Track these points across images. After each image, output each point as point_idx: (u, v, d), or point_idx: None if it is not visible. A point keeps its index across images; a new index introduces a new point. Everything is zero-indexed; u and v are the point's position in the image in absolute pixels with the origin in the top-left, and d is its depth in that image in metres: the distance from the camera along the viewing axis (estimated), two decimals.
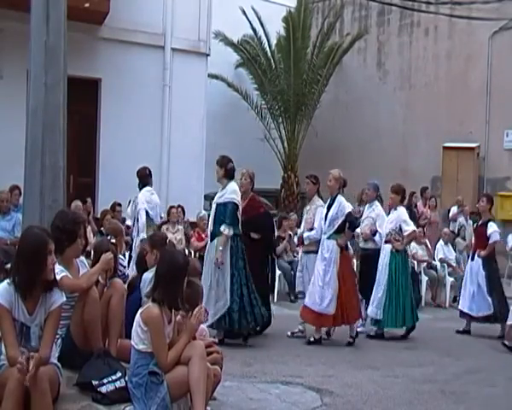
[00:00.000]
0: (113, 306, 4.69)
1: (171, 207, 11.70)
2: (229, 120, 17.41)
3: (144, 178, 9.33)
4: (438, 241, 12.65)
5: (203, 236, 11.33)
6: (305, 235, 8.43)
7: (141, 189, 9.28)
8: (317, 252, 8.17)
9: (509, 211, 14.94)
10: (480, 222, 9.55)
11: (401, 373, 6.77)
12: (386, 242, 8.72)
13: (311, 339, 8.02)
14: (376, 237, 8.92)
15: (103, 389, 4.27)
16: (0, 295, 3.84)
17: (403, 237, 8.68)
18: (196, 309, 4.43)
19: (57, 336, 4.21)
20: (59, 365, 4.10)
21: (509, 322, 8.36)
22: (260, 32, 17.36)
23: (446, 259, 12.27)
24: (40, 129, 4.91)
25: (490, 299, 9.06)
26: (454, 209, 14.09)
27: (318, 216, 8.30)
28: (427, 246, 12.27)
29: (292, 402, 5.49)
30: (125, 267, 6.03)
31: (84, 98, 11.53)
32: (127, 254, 8.93)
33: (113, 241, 5.31)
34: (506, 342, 8.29)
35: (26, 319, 3.91)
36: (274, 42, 17.65)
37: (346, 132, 18.35)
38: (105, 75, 12.01)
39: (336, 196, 8.17)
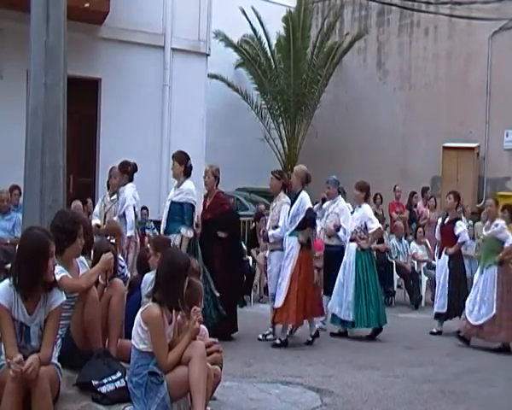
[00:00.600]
0: (113, 306, 4.69)
1: None
2: (229, 120, 17.42)
3: (133, 173, 8.94)
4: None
5: None
6: (270, 233, 8.17)
7: (124, 185, 8.77)
8: (282, 249, 8.01)
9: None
10: (447, 219, 9.38)
11: (401, 373, 6.77)
12: (351, 240, 8.59)
13: (277, 341, 7.84)
14: (340, 233, 8.78)
15: (103, 389, 4.26)
16: (0, 294, 3.85)
17: (368, 235, 8.55)
18: (193, 310, 4.43)
19: (57, 336, 4.21)
20: (59, 365, 4.10)
21: (476, 322, 8.32)
22: (260, 32, 17.38)
23: None
24: (40, 129, 4.91)
25: (447, 297, 9.01)
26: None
27: (283, 213, 8.08)
28: (427, 246, 12.26)
29: (292, 402, 5.50)
30: (123, 267, 6.03)
31: (84, 98, 11.52)
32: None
33: (113, 241, 5.31)
34: (460, 333, 8.37)
35: (25, 319, 3.91)
36: (274, 42, 17.67)
37: (346, 132, 18.36)
38: (105, 75, 12.00)
39: (299, 192, 8.01)
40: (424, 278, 11.84)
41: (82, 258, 4.70)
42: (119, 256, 6.01)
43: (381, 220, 12.87)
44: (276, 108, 17.54)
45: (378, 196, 13.87)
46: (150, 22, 12.30)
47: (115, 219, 8.33)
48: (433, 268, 12.08)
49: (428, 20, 16.90)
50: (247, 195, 16.20)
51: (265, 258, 11.51)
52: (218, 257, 7.84)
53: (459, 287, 9.12)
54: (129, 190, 8.70)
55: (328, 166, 17.96)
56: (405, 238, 12.54)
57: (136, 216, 8.79)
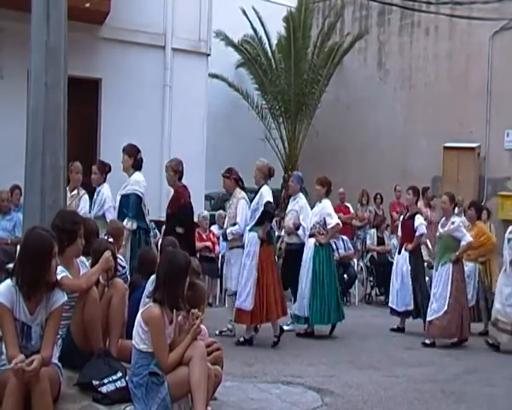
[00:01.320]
0: (113, 306, 4.69)
1: None
2: (230, 120, 17.41)
3: (107, 174, 8.47)
4: None
5: (204, 236, 11.33)
6: (228, 230, 8.07)
7: (100, 185, 8.29)
8: (241, 247, 7.89)
9: (509, 211, 14.92)
10: (407, 215, 9.36)
11: (402, 373, 6.77)
12: (310, 236, 8.47)
13: (241, 339, 7.78)
14: (300, 231, 8.63)
15: (104, 389, 4.27)
16: (2, 294, 3.85)
17: (327, 230, 8.44)
18: (191, 314, 4.43)
19: (58, 336, 4.21)
20: (59, 365, 4.11)
21: (428, 318, 8.35)
22: (261, 32, 17.36)
23: None
24: (40, 129, 4.91)
25: (412, 294, 8.97)
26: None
27: (240, 209, 7.96)
28: (427, 246, 12.25)
29: (292, 402, 5.49)
30: (124, 268, 6.03)
31: (84, 98, 11.51)
32: None
33: (111, 240, 5.31)
34: (427, 341, 8.32)
35: (27, 319, 3.91)
36: (274, 42, 17.65)
37: (346, 132, 18.35)
38: (105, 75, 12.00)
39: (261, 186, 7.91)
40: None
41: (82, 258, 4.71)
42: (120, 256, 6.01)
43: (382, 220, 12.88)
44: (277, 108, 17.53)
45: (378, 196, 13.88)
46: (151, 22, 12.29)
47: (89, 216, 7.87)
48: (433, 268, 12.11)
49: (429, 20, 16.90)
50: (248, 195, 16.19)
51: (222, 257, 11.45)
52: None
53: (421, 284, 9.08)
54: (108, 191, 8.37)
55: (328, 166, 17.98)
56: None
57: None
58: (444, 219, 8.73)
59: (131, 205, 7.35)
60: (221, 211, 12.75)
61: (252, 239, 7.71)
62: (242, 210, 7.94)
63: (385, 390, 6.06)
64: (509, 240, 8.32)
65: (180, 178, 7.89)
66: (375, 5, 18.13)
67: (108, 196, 8.28)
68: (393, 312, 9.29)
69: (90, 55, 11.50)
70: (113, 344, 4.67)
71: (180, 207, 7.81)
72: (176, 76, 12.64)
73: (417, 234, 9.07)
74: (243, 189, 8.20)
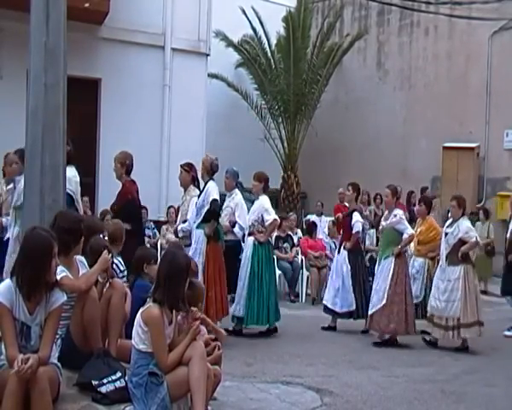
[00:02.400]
0: (113, 306, 4.70)
1: (171, 207, 11.70)
2: (229, 120, 17.41)
3: None
4: None
5: None
6: (179, 227, 7.96)
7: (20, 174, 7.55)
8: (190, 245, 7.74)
9: (509, 211, 14.90)
10: (346, 212, 9.21)
11: (401, 373, 6.77)
12: (249, 234, 8.22)
13: None
14: (236, 228, 8.32)
15: (103, 389, 4.27)
16: (1, 294, 3.85)
17: (266, 227, 8.18)
18: (192, 312, 4.43)
19: (57, 336, 4.21)
20: (59, 365, 4.11)
21: (369, 312, 8.22)
22: (260, 32, 17.36)
23: None
24: (40, 129, 4.91)
25: (353, 294, 8.80)
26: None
27: (191, 206, 7.83)
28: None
29: (292, 402, 5.50)
30: (122, 271, 6.02)
31: (84, 98, 11.52)
32: None
33: (106, 238, 5.32)
34: (378, 340, 8.23)
35: (26, 319, 3.92)
36: (274, 42, 17.65)
37: (345, 132, 18.35)
38: (105, 75, 12.01)
39: (207, 182, 7.74)
40: None
41: (82, 258, 4.71)
42: (119, 259, 6.01)
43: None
44: (276, 108, 17.53)
45: (378, 196, 13.86)
46: (150, 22, 12.30)
47: (10, 211, 7.55)
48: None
49: (428, 20, 16.90)
50: (247, 195, 16.18)
51: None
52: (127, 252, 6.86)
53: (361, 283, 8.91)
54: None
55: (328, 166, 18.03)
56: None
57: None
58: (387, 212, 8.56)
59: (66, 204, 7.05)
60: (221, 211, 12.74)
61: (198, 237, 7.58)
62: (193, 208, 7.81)
63: (384, 390, 6.06)
64: (445, 234, 8.24)
65: (128, 172, 7.53)
66: (374, 5, 18.13)
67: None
68: (328, 311, 9.03)
69: (89, 56, 11.51)
70: (113, 344, 4.67)
71: (127, 202, 7.45)
72: (175, 76, 12.65)
73: (354, 232, 8.87)
74: (198, 188, 8.03)
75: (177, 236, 8.12)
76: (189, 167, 8.09)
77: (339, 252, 9.15)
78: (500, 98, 15.13)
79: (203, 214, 7.58)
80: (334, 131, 18.44)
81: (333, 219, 12.52)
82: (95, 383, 4.27)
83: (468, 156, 15.77)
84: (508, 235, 9.54)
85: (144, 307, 4.32)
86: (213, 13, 13.31)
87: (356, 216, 8.95)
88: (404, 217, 8.48)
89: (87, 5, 10.64)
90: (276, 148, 17.40)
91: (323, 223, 13.56)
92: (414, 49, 17.50)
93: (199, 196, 7.74)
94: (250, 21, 17.17)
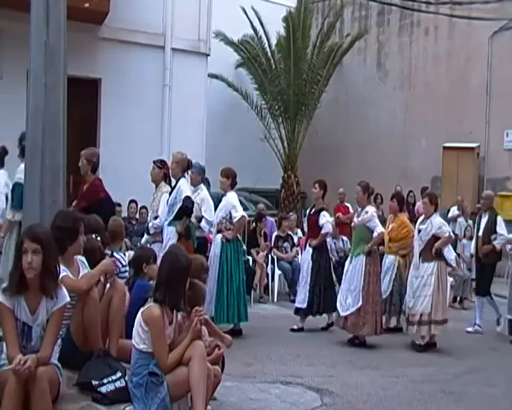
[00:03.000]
0: (113, 306, 4.70)
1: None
2: (230, 120, 17.41)
3: (3, 157, 7.92)
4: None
5: None
6: (150, 224, 7.87)
7: None
8: (162, 241, 7.67)
9: (509, 211, 14.91)
10: (312, 210, 9.07)
11: (401, 373, 6.77)
12: (217, 232, 8.11)
13: None
14: (202, 223, 8.17)
15: (103, 389, 4.27)
16: (3, 294, 3.85)
17: (234, 224, 8.06)
18: (194, 310, 4.43)
19: (57, 337, 4.21)
20: (59, 365, 4.10)
21: (343, 313, 8.09)
22: (260, 32, 17.37)
23: (446, 259, 12.21)
24: (40, 129, 4.91)
25: (308, 292, 8.68)
26: (454, 209, 14.08)
27: (162, 203, 7.74)
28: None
29: (292, 402, 5.50)
30: (125, 266, 6.03)
31: (84, 98, 11.51)
32: None
33: (99, 238, 5.32)
34: (357, 340, 8.12)
35: (27, 319, 3.92)
36: (274, 42, 17.65)
37: (346, 132, 18.36)
38: (105, 75, 12.00)
39: (179, 179, 7.67)
40: None
41: (83, 258, 4.71)
42: (121, 255, 6.02)
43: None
44: (276, 108, 17.53)
45: (378, 196, 13.86)
46: (150, 22, 12.30)
47: None
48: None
49: (428, 21, 16.90)
50: (247, 195, 16.19)
51: (266, 257, 11.53)
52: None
53: (322, 282, 8.78)
54: (1, 178, 7.84)
55: (328, 166, 18.02)
56: None
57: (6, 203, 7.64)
58: (359, 209, 8.50)
59: (15, 195, 6.88)
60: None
61: (170, 234, 7.49)
62: (164, 204, 7.75)
63: (384, 390, 6.07)
64: (418, 231, 8.21)
65: (94, 170, 7.38)
66: (374, 5, 18.14)
67: (1, 182, 7.80)
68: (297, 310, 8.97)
69: (89, 55, 11.50)
70: (113, 344, 4.67)
71: (100, 200, 7.21)
72: (175, 76, 12.65)
73: (323, 232, 8.79)
74: (169, 184, 7.95)
75: (148, 233, 8.00)
76: (161, 164, 8.02)
77: (304, 248, 9.09)
78: (500, 98, 15.14)
79: (175, 212, 7.53)
80: (335, 131, 18.45)
81: (333, 219, 12.51)
82: (95, 383, 4.27)
83: (468, 156, 15.77)
84: (480, 233, 9.50)
85: (145, 307, 4.32)
86: (213, 13, 13.31)
87: (325, 217, 8.88)
88: (375, 214, 8.39)
89: (87, 5, 10.63)
90: (276, 148, 17.40)
91: None
92: (414, 50, 17.50)
93: (170, 193, 7.67)
94: (250, 21, 17.17)
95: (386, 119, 17.65)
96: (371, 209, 8.38)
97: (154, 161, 8.09)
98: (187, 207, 7.50)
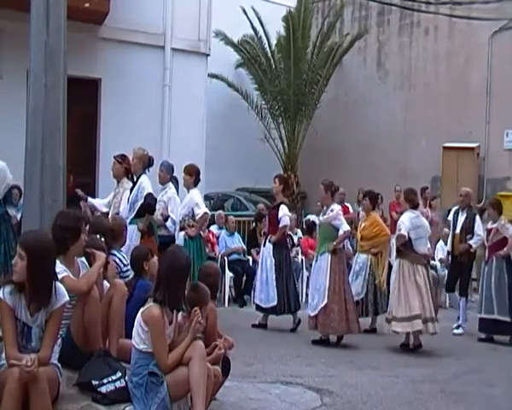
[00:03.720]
0: (114, 306, 4.69)
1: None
2: (229, 120, 17.41)
3: None
4: (438, 241, 12.64)
5: (203, 236, 11.31)
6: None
7: None
8: None
9: (509, 211, 14.90)
10: (272, 204, 9.01)
11: (401, 373, 6.77)
12: (180, 229, 8.05)
13: None
14: (168, 223, 8.11)
15: (103, 389, 4.27)
16: (6, 292, 3.85)
17: (197, 221, 8.03)
18: (193, 311, 4.43)
19: (57, 337, 4.21)
20: (59, 365, 4.10)
21: (312, 313, 8.06)
22: (260, 32, 17.38)
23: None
24: (40, 129, 4.91)
25: (275, 289, 8.63)
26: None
27: (125, 200, 7.68)
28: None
29: (292, 402, 5.50)
30: (126, 265, 6.02)
31: (84, 98, 11.51)
32: None
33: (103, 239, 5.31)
34: (317, 338, 8.08)
35: (27, 319, 3.91)
36: (274, 42, 17.66)
37: (346, 132, 18.35)
38: (105, 75, 11.99)
39: (140, 176, 7.55)
40: None
41: (83, 258, 4.70)
42: (123, 254, 6.01)
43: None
44: (276, 108, 17.53)
45: (378, 196, 13.85)
46: (150, 22, 12.29)
47: None
48: (432, 267, 12.09)
49: (428, 20, 16.89)
50: (247, 195, 16.21)
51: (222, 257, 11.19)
52: None
53: (285, 279, 8.73)
54: None
55: (328, 166, 18.00)
56: None
57: None
58: (325, 207, 8.47)
59: None
60: (220, 211, 12.76)
61: (131, 232, 7.36)
62: (125, 202, 7.69)
63: (384, 390, 6.06)
64: (399, 229, 8.22)
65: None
66: (374, 5, 18.13)
67: None
68: (258, 308, 8.94)
69: (89, 56, 11.50)
70: (113, 344, 4.67)
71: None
72: (175, 76, 12.64)
73: (281, 225, 8.71)
74: (132, 180, 7.87)
75: None
76: (122, 159, 7.95)
77: (264, 245, 9.01)
78: (500, 98, 15.13)
79: (136, 209, 7.43)
80: (334, 131, 18.45)
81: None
82: (95, 383, 4.27)
83: (468, 156, 15.76)
84: (457, 231, 9.47)
85: (145, 307, 4.32)
86: (213, 13, 13.30)
87: (283, 210, 8.79)
88: (341, 213, 8.35)
89: (87, 5, 10.62)
90: (276, 148, 17.40)
91: None
92: (414, 49, 17.49)
93: (131, 190, 7.57)
94: (250, 21, 17.18)
95: (386, 119, 17.64)
96: (336, 208, 8.30)
97: (114, 156, 7.98)
98: (149, 204, 7.39)
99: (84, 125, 11.74)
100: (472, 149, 15.67)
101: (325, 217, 8.24)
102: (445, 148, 15.93)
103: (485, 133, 15.51)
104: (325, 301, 7.92)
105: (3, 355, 3.86)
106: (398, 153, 17.27)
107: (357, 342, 8.35)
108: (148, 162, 7.78)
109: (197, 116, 12.92)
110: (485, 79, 15.53)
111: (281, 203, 8.86)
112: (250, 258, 11.41)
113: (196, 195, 8.19)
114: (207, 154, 13.20)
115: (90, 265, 4.68)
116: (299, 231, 12.96)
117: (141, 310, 4.33)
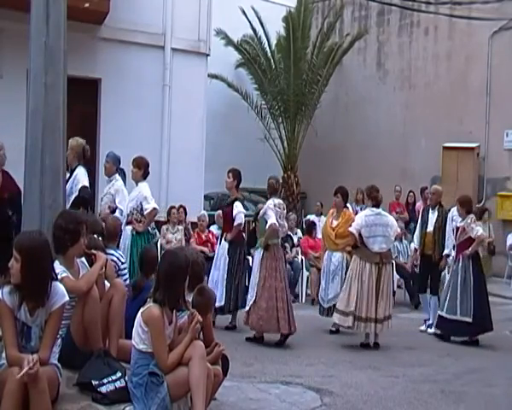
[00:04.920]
0: (114, 306, 4.69)
1: (172, 207, 11.68)
2: (229, 120, 17.42)
3: None
4: None
5: (203, 236, 11.33)
6: None
7: None
8: None
9: (509, 211, 14.93)
10: (227, 201, 8.84)
11: (401, 373, 6.77)
12: (127, 223, 7.79)
13: None
14: (116, 214, 7.73)
15: (103, 389, 4.27)
16: (5, 293, 3.85)
17: (145, 216, 7.80)
18: (189, 313, 4.44)
19: (57, 336, 4.21)
20: (59, 365, 4.10)
21: (246, 309, 7.95)
22: (260, 32, 17.37)
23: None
24: (40, 129, 4.91)
25: (224, 288, 8.44)
26: (454, 209, 14.05)
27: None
28: None
29: (292, 402, 5.50)
30: (124, 263, 6.02)
31: (84, 98, 11.52)
32: None
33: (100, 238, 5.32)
34: (251, 336, 7.94)
35: (27, 320, 3.91)
36: (274, 42, 17.66)
37: (345, 132, 18.35)
38: (105, 75, 12.00)
39: (75, 168, 7.26)
40: None
41: (83, 259, 4.71)
42: (120, 253, 6.01)
43: None
44: (276, 108, 17.53)
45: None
46: (150, 22, 12.30)
47: None
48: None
49: (428, 20, 16.89)
50: (247, 195, 16.20)
51: None
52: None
53: (236, 279, 8.54)
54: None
55: (328, 166, 18.03)
56: (405, 238, 12.53)
57: None
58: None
59: None
60: (220, 211, 12.74)
61: None
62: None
63: (384, 390, 6.06)
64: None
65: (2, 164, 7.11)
66: (374, 5, 18.13)
67: None
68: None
69: (89, 55, 11.51)
70: (113, 344, 4.67)
71: (17, 193, 6.77)
72: (175, 76, 12.65)
73: (236, 223, 8.46)
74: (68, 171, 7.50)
75: None
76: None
77: (220, 243, 8.85)
78: (500, 98, 15.13)
79: (71, 202, 7.12)
80: (334, 131, 18.45)
81: None
82: (95, 383, 4.27)
83: (468, 156, 15.76)
84: (429, 229, 9.36)
85: (144, 307, 4.32)
86: (213, 13, 13.31)
87: (237, 207, 8.56)
88: (272, 207, 8.05)
89: (87, 5, 10.63)
90: (276, 148, 17.40)
91: (323, 223, 13.53)
92: (414, 49, 17.49)
93: (67, 182, 7.17)
94: (250, 21, 17.18)
95: (386, 119, 17.64)
96: (268, 202, 8.16)
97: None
98: (83, 197, 7.18)
99: (83, 125, 11.73)
100: (472, 149, 15.67)
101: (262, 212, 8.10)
102: (444, 148, 15.93)
103: (485, 133, 15.51)
104: (254, 298, 7.82)
105: (3, 355, 3.86)
106: (397, 153, 17.27)
107: (358, 341, 8.35)
108: (82, 153, 7.44)
109: (197, 116, 12.93)
110: (485, 79, 15.52)
111: (235, 200, 8.64)
112: (250, 258, 11.39)
113: (145, 189, 7.94)
114: (207, 154, 13.21)
115: (91, 265, 4.68)
116: (299, 231, 12.96)
117: (141, 310, 4.33)
